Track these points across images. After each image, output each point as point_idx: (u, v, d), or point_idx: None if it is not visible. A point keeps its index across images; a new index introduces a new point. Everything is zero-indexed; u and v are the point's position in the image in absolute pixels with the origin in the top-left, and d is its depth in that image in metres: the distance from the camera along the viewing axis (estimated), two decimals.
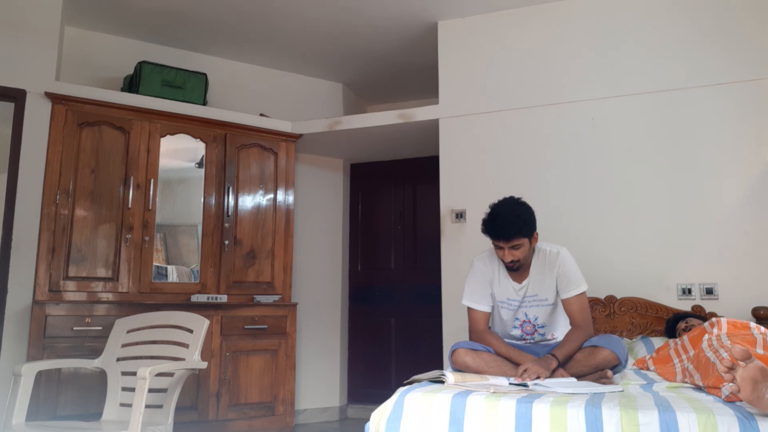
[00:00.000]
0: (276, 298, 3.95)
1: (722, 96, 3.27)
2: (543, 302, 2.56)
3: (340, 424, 4.43)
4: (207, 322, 2.82)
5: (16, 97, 3.44)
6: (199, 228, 3.88)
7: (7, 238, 3.32)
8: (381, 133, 4.28)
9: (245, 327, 3.72)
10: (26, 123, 3.43)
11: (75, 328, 3.25)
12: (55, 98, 3.49)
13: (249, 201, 4.05)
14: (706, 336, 2.22)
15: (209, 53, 4.42)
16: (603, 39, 3.58)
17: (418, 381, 2.13)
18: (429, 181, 4.54)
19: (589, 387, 2.02)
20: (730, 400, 1.68)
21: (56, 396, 3.14)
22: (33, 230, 3.36)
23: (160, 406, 2.68)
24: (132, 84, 3.87)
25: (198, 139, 3.94)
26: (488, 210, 2.49)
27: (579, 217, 3.46)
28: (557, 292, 2.54)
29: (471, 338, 2.59)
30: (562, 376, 2.24)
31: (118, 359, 2.87)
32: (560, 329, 2.60)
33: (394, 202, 5.02)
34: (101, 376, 3.01)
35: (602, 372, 2.25)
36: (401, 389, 1.96)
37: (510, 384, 2.10)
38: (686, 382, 2.11)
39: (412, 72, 4.72)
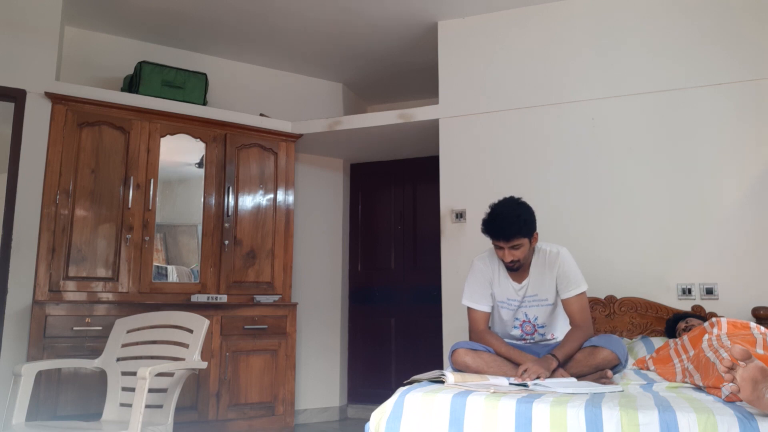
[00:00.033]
0: (276, 298, 3.95)
1: (722, 96, 3.27)
2: (543, 302, 2.56)
3: (340, 424, 4.43)
4: (207, 322, 2.82)
5: (16, 97, 3.44)
6: (199, 228, 3.88)
7: (7, 238, 3.32)
8: (381, 133, 4.28)
9: (245, 327, 3.72)
10: (26, 123, 3.43)
11: (75, 328, 3.25)
12: (55, 98, 3.49)
13: (249, 201, 4.05)
14: (706, 336, 2.22)
15: (209, 53, 4.42)
16: (603, 39, 3.58)
17: (418, 381, 2.13)
18: (429, 181, 4.54)
19: (589, 387, 2.02)
20: (730, 400, 1.68)
21: (56, 396, 3.14)
22: (33, 230, 3.36)
23: (160, 406, 2.68)
24: (132, 84, 3.87)
25: (198, 139, 3.94)
26: (488, 210, 2.49)
27: (579, 217, 3.46)
28: (557, 292, 2.54)
29: (471, 338, 2.59)
30: (562, 376, 2.24)
31: (118, 359, 2.87)
32: (560, 329, 2.60)
33: (394, 202, 5.02)
34: (101, 376, 3.01)
35: (602, 372, 2.25)
36: (401, 389, 1.96)
37: (510, 384, 2.10)
38: (686, 382, 2.11)
39: (412, 72, 4.72)
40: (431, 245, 4.51)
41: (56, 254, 3.39)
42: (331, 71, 4.76)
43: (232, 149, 4.03)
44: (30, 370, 2.63)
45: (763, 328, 2.31)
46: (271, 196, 4.13)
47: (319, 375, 4.56)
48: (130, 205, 3.62)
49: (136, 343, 2.90)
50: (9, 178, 3.37)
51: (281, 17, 3.93)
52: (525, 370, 2.19)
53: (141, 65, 3.83)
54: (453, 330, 3.57)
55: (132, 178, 3.65)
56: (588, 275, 2.63)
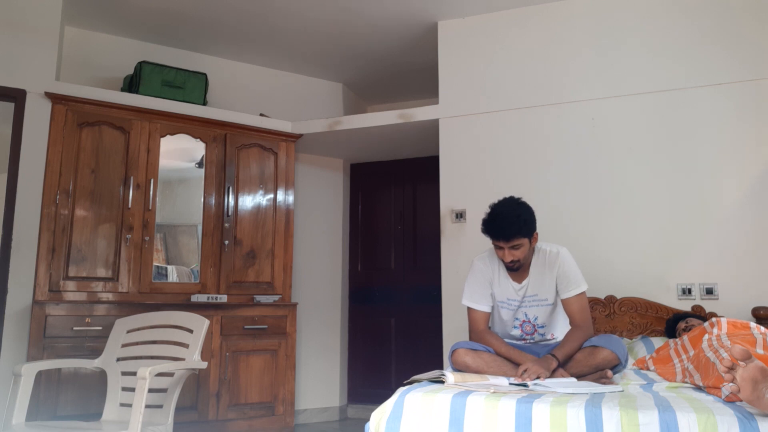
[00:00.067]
0: (276, 298, 3.95)
1: (722, 96, 3.27)
2: (543, 302, 2.56)
3: (340, 424, 4.43)
4: (207, 322, 2.82)
5: (16, 97, 3.44)
6: (199, 228, 3.88)
7: (7, 238, 3.32)
8: (381, 133, 4.28)
9: (245, 327, 3.72)
10: (26, 123, 3.43)
11: (75, 328, 3.25)
12: (55, 98, 3.49)
13: (249, 201, 4.05)
14: (706, 336, 2.22)
15: (209, 53, 4.42)
16: (603, 39, 3.58)
17: (418, 381, 2.13)
18: (429, 181, 4.54)
19: (589, 387, 2.02)
20: (730, 400, 1.68)
21: (56, 396, 3.14)
22: (33, 230, 3.36)
23: (160, 406, 2.68)
24: (132, 84, 3.87)
25: (198, 139, 3.94)
26: (488, 210, 2.49)
27: (579, 217, 3.46)
28: (557, 292, 2.54)
29: (471, 338, 2.59)
30: (562, 376, 2.24)
31: (118, 359, 2.87)
32: (560, 329, 2.60)
33: (394, 202, 5.02)
34: (101, 376, 3.01)
35: (602, 372, 2.25)
36: (401, 389, 1.96)
37: (510, 384, 2.10)
38: (686, 382, 2.11)
39: (412, 72, 4.72)
40: (431, 245, 4.51)
41: (56, 254, 3.39)
42: (331, 71, 4.76)
43: (232, 149, 4.03)
44: (30, 370, 2.63)
45: (763, 328, 2.31)
46: (271, 196, 4.13)
47: (319, 375, 4.56)
48: (130, 205, 3.62)
49: (136, 343, 2.90)
50: (9, 178, 3.37)
51: (281, 17, 3.94)
52: (525, 370, 2.19)
53: (141, 65, 3.83)
54: (453, 330, 3.57)
55: (132, 178, 3.65)
56: (588, 275, 2.63)
